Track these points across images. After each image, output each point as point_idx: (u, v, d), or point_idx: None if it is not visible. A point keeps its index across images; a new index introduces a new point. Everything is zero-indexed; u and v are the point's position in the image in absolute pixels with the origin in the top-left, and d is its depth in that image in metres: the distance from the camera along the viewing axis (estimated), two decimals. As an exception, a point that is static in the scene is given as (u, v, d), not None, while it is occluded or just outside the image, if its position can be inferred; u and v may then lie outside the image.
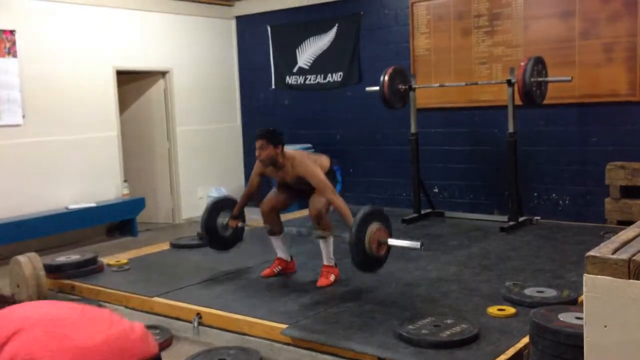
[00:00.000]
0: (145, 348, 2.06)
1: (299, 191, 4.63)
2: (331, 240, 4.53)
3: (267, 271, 4.75)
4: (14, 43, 6.64)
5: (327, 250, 4.52)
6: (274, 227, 4.72)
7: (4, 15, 6.59)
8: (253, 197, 4.86)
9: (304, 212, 5.15)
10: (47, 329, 1.89)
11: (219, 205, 4.94)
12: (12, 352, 1.83)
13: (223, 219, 4.88)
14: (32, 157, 6.84)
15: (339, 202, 4.28)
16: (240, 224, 4.94)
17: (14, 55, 6.65)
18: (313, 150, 8.02)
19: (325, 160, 4.59)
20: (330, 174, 4.53)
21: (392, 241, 4.12)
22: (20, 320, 1.91)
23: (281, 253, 4.78)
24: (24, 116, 6.75)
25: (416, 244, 4.03)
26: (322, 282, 4.46)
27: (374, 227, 4.04)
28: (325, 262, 4.54)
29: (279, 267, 4.76)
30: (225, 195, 5.18)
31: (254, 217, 7.95)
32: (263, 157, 4.39)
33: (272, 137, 4.38)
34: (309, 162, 4.43)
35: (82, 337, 1.91)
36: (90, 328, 1.95)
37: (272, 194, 4.72)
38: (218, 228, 4.88)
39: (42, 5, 6.93)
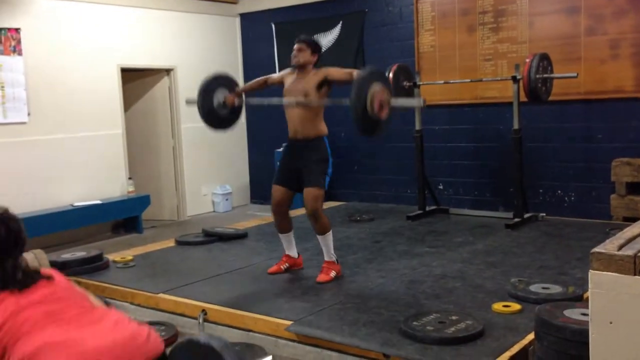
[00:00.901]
0: (151, 349, 2.08)
1: (293, 177, 4.54)
2: (330, 235, 4.51)
3: (274, 268, 4.75)
4: (19, 41, 6.66)
5: (326, 246, 4.51)
6: (284, 225, 4.71)
7: (9, 14, 6.61)
8: (262, 88, 4.86)
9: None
10: (55, 331, 1.91)
11: (217, 81, 4.82)
12: (22, 352, 1.85)
13: (220, 96, 4.76)
14: (38, 154, 6.87)
15: (353, 73, 4.27)
16: (237, 102, 4.82)
17: (19, 54, 6.67)
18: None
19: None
20: (320, 155, 4.51)
21: (394, 101, 4.06)
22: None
23: (289, 250, 4.78)
24: (29, 114, 6.77)
25: (419, 101, 3.92)
26: (321, 277, 4.46)
27: (375, 87, 3.95)
28: (326, 258, 4.53)
29: (287, 264, 4.76)
30: (225, 73, 5.06)
31: (258, 214, 7.98)
32: (300, 57, 4.48)
33: (312, 44, 4.54)
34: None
35: (90, 340, 1.93)
36: (98, 332, 1.97)
37: (274, 191, 4.65)
38: (215, 105, 4.77)
39: (47, 4, 6.95)
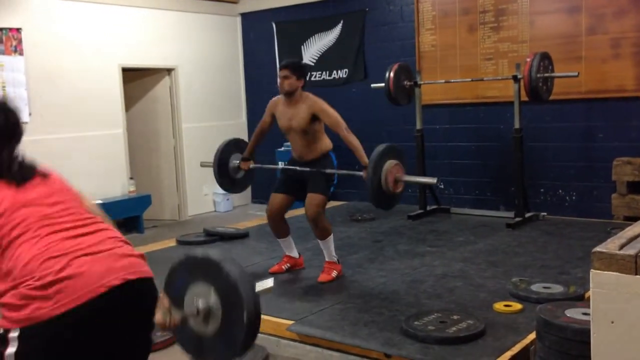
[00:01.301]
0: (144, 268, 2.03)
1: (296, 185, 4.56)
2: (331, 239, 4.51)
3: (275, 267, 4.76)
4: (20, 41, 6.66)
5: (327, 248, 4.51)
6: (280, 231, 4.69)
7: (10, 14, 6.61)
8: (264, 137, 4.86)
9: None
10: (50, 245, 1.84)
11: (231, 147, 4.93)
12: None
13: (235, 161, 4.89)
14: (39, 154, 6.75)
15: (353, 139, 4.32)
16: (251, 166, 4.92)
17: (21, 53, 6.67)
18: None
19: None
20: (325, 167, 4.53)
21: (408, 177, 4.15)
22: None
23: (289, 251, 4.78)
24: (30, 114, 6.77)
25: (432, 180, 4.12)
26: (323, 277, 4.46)
27: (390, 164, 4.08)
28: (327, 259, 4.54)
29: (288, 264, 4.76)
30: (236, 137, 5.17)
31: (259, 214, 7.98)
32: (286, 86, 4.40)
33: (297, 68, 4.44)
34: (324, 102, 4.46)
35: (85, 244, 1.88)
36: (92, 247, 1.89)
37: (273, 197, 4.65)
38: (230, 170, 4.89)
39: (48, 3, 6.95)
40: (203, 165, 5.15)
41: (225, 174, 4.91)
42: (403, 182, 4.16)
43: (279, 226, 4.66)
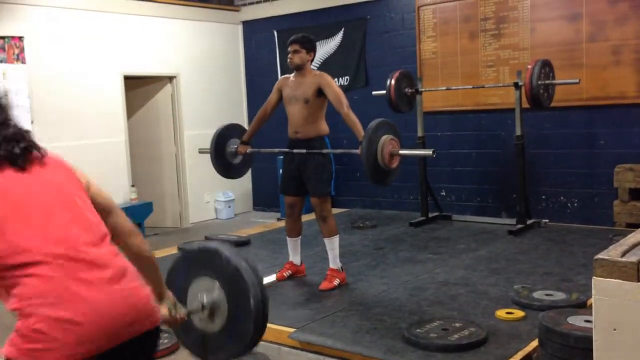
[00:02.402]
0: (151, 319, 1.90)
1: (297, 182, 4.56)
2: (337, 240, 4.52)
3: (277, 275, 4.75)
4: (22, 49, 6.68)
5: (333, 250, 4.51)
6: (295, 230, 4.71)
7: (12, 22, 6.64)
8: (267, 117, 4.83)
9: (309, 217, 5.17)
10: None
11: (228, 132, 4.89)
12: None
13: (233, 146, 4.84)
14: (41, 162, 6.87)
15: (353, 116, 4.31)
16: (249, 150, 4.89)
17: (23, 62, 6.69)
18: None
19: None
20: (322, 159, 4.54)
21: (403, 151, 4.12)
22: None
23: (293, 256, 4.78)
24: (32, 122, 6.78)
25: (428, 152, 4.06)
26: (325, 285, 4.45)
27: (385, 138, 4.05)
28: (331, 265, 4.53)
29: (289, 271, 4.75)
30: (233, 122, 5.14)
31: (261, 221, 7.98)
32: (296, 59, 4.45)
33: (306, 42, 4.51)
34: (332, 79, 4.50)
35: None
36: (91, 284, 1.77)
37: (288, 202, 4.70)
38: (227, 155, 4.85)
39: (50, 12, 6.98)
40: (201, 151, 5.10)
41: (223, 159, 4.86)
42: (399, 156, 4.12)
43: (296, 224, 4.73)
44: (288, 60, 4.53)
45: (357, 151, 4.17)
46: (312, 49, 4.54)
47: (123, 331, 1.71)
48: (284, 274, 4.74)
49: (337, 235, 4.53)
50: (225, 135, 4.87)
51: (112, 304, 1.69)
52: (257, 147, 5.09)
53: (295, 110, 4.51)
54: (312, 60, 4.56)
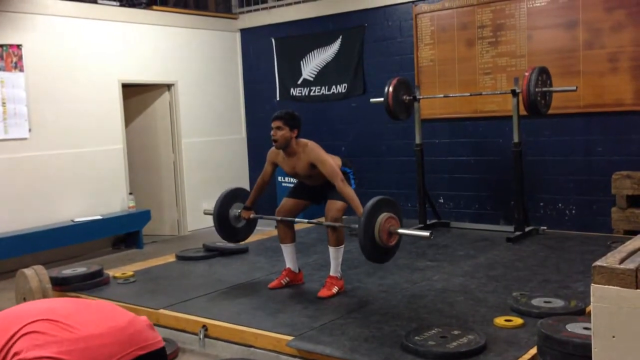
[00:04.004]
0: (151, 337, 2.03)
1: (312, 193, 4.61)
2: (342, 250, 4.52)
3: (274, 282, 4.74)
4: (20, 57, 6.69)
5: (336, 259, 4.51)
6: (286, 235, 4.71)
7: (10, 30, 6.65)
8: (266, 187, 4.86)
9: (307, 225, 5.16)
10: (52, 322, 1.87)
11: (232, 196, 4.92)
12: (20, 347, 1.82)
13: (236, 210, 4.88)
14: (39, 170, 6.87)
15: (349, 191, 4.27)
16: (252, 216, 4.90)
17: (21, 70, 6.70)
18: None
19: (337, 159, 4.57)
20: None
21: (402, 231, 4.06)
22: (25, 317, 1.90)
23: (290, 263, 4.77)
24: (30, 130, 6.78)
25: (425, 233, 3.99)
26: (323, 292, 4.44)
27: (384, 216, 3.98)
28: (331, 273, 4.52)
29: (287, 278, 4.74)
30: (238, 187, 5.17)
31: (259, 229, 7.96)
32: (278, 138, 4.39)
33: (289, 120, 4.41)
34: (320, 150, 4.45)
35: (88, 326, 1.89)
36: (95, 318, 1.93)
37: (285, 201, 4.73)
38: (230, 219, 4.88)
39: (49, 20, 6.99)
40: (206, 212, 5.13)
41: (226, 224, 4.89)
42: (397, 235, 4.08)
43: (290, 230, 4.71)
44: (272, 137, 4.43)
45: (355, 226, 4.12)
46: (295, 127, 4.41)
47: None
48: (282, 281, 4.73)
49: (343, 245, 4.52)
50: (227, 202, 4.90)
51: None
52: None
53: (305, 181, 4.62)
54: (296, 137, 4.45)
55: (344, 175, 4.42)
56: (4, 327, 1.89)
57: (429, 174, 6.90)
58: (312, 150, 4.41)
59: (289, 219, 4.69)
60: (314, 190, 4.63)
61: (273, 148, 4.61)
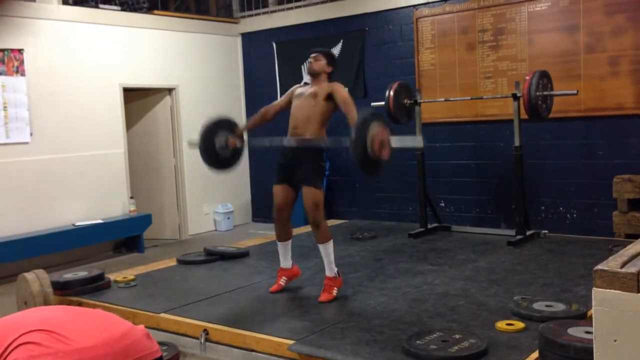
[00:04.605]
0: (147, 347, 2.03)
1: (290, 172, 4.55)
2: (331, 245, 4.49)
3: (275, 287, 4.73)
4: (22, 62, 6.70)
5: (328, 257, 4.47)
6: (284, 231, 4.68)
7: (12, 35, 6.66)
8: (269, 118, 4.85)
9: (308, 228, 5.15)
10: (47, 333, 1.87)
11: (218, 124, 4.85)
12: (15, 358, 1.82)
13: (222, 138, 4.79)
14: (40, 174, 6.88)
15: (354, 115, 4.28)
16: (238, 144, 4.85)
17: (22, 74, 6.71)
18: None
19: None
20: (317, 157, 4.52)
21: (394, 141, 4.06)
22: (20, 327, 1.90)
23: (283, 261, 4.75)
24: (31, 134, 6.79)
25: (419, 141, 3.98)
26: (324, 297, 4.42)
27: (375, 128, 3.99)
28: (327, 274, 4.50)
29: (284, 277, 4.73)
30: (223, 115, 5.09)
31: (260, 233, 7.97)
32: (315, 66, 4.53)
33: (329, 56, 4.62)
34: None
35: (83, 338, 1.89)
36: (90, 329, 1.93)
37: (276, 191, 4.63)
38: (217, 147, 4.81)
39: (50, 24, 7.01)
40: (190, 143, 5.08)
41: (212, 152, 4.82)
42: (389, 146, 4.05)
43: (284, 226, 4.65)
44: (308, 65, 4.60)
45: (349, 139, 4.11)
46: (332, 63, 4.60)
47: None
48: (281, 283, 4.71)
49: (332, 240, 4.49)
50: (214, 128, 4.85)
51: None
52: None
53: (299, 105, 4.54)
54: (329, 75, 4.59)
55: (319, 159, 4.48)
56: (1, 336, 1.89)
57: (429, 178, 6.90)
58: (338, 85, 4.51)
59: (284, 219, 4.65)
60: (290, 170, 4.52)
61: (297, 85, 4.74)
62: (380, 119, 4.11)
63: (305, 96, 4.54)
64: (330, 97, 4.44)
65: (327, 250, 4.48)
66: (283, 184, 4.59)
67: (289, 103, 4.70)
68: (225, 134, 4.81)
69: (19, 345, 1.84)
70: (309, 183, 4.41)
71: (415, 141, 3.99)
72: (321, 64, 4.55)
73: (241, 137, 4.87)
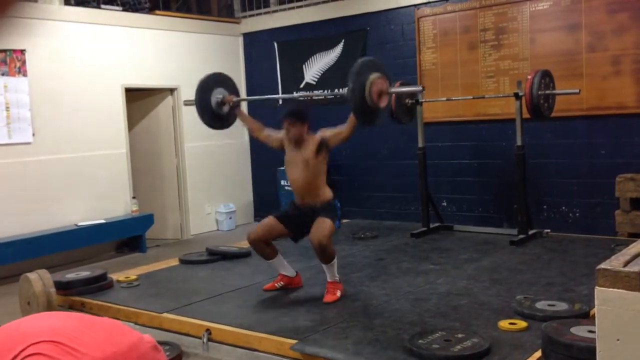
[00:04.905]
0: (156, 359, 2.03)
1: (297, 224, 4.51)
2: (335, 261, 4.46)
3: (269, 285, 4.73)
4: (24, 62, 6.71)
5: (331, 271, 4.46)
6: (265, 254, 4.63)
7: (14, 35, 6.67)
8: (259, 131, 4.84)
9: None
10: (57, 345, 1.87)
11: (214, 80, 4.87)
12: None
13: (218, 95, 4.81)
14: (42, 174, 6.89)
15: (349, 131, 4.30)
16: (235, 99, 4.88)
17: (24, 75, 6.72)
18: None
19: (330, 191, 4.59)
20: (331, 207, 4.49)
21: (393, 89, 4.03)
22: (27, 337, 1.90)
23: (282, 270, 4.74)
24: (34, 134, 6.80)
25: (418, 87, 3.98)
26: (329, 298, 4.43)
27: (374, 76, 3.96)
28: (329, 280, 4.50)
29: (282, 282, 4.73)
30: (219, 72, 5.10)
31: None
32: (293, 134, 4.43)
33: (300, 116, 4.46)
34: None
35: (93, 350, 1.89)
36: (100, 341, 1.93)
37: (260, 226, 4.60)
38: (213, 105, 4.82)
39: (52, 25, 7.01)
40: (186, 103, 5.11)
41: (208, 108, 4.83)
42: (387, 95, 4.03)
43: (262, 250, 4.59)
44: (285, 132, 4.46)
45: (345, 91, 4.10)
46: (307, 120, 4.47)
47: None
48: (276, 284, 4.71)
49: (335, 258, 4.46)
50: (210, 84, 4.85)
51: None
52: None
53: (296, 174, 4.49)
54: (308, 128, 4.48)
55: (333, 207, 4.43)
56: (7, 346, 1.88)
57: (431, 177, 6.90)
58: (322, 132, 4.47)
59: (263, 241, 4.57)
60: (299, 221, 4.48)
61: (285, 135, 4.64)
62: (377, 66, 4.07)
63: (298, 162, 4.46)
64: (321, 147, 4.40)
65: (331, 268, 4.44)
66: (281, 223, 4.53)
67: (279, 147, 4.64)
68: (221, 91, 4.82)
69: (27, 356, 1.83)
70: (325, 216, 4.37)
71: (414, 87, 3.97)
72: (299, 128, 4.41)
73: (237, 95, 4.89)
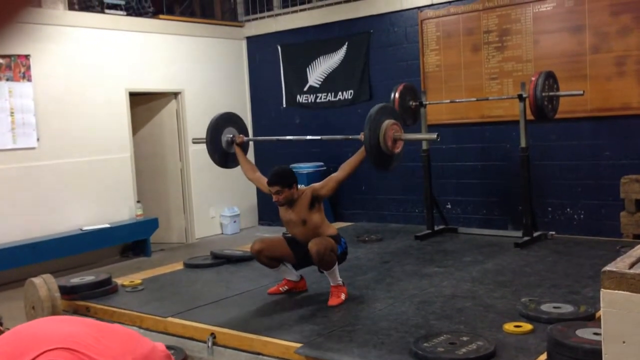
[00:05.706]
0: None
1: (301, 251, 4.47)
2: (336, 267, 4.44)
3: (273, 289, 4.72)
4: (28, 67, 6.74)
5: (333, 277, 4.43)
6: (273, 263, 4.60)
7: (18, 40, 6.69)
8: (245, 172, 4.90)
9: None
10: (72, 353, 1.85)
11: (226, 119, 4.93)
12: None
13: (228, 135, 4.86)
14: (47, 179, 6.91)
15: (346, 172, 4.28)
16: (246, 139, 4.93)
17: (29, 80, 6.74)
18: (325, 168, 8.05)
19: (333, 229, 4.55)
20: (334, 237, 4.44)
21: (406, 135, 4.07)
22: (42, 342, 1.87)
23: (287, 275, 4.72)
24: (38, 139, 6.82)
25: (432, 135, 4.02)
26: (333, 301, 4.41)
27: (388, 123, 4.00)
28: (332, 284, 4.48)
29: (286, 286, 4.72)
30: (229, 112, 5.19)
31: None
32: (282, 200, 4.33)
33: (285, 181, 4.33)
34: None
35: (108, 358, 1.88)
36: (114, 349, 1.92)
37: (266, 240, 4.58)
38: (222, 144, 4.88)
39: (56, 30, 7.04)
40: (195, 141, 5.17)
41: (218, 148, 4.88)
42: (402, 141, 4.07)
43: (265, 262, 4.57)
44: (274, 199, 4.37)
45: (359, 136, 4.12)
46: (293, 182, 4.35)
47: None
48: (280, 288, 4.69)
49: (336, 264, 4.44)
50: (220, 125, 4.90)
51: None
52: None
53: (296, 232, 4.46)
54: (296, 189, 4.37)
55: (337, 236, 4.41)
56: (19, 350, 1.86)
57: (436, 180, 6.89)
58: (311, 188, 4.38)
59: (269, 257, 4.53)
60: (305, 250, 4.40)
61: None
62: (391, 112, 4.11)
63: (294, 220, 4.39)
64: (314, 202, 4.35)
65: (332, 274, 4.41)
66: (287, 246, 4.50)
67: (269, 193, 4.48)
68: (231, 131, 4.86)
69: None
70: (329, 235, 4.35)
71: (428, 135, 4.02)
72: (286, 195, 4.31)
73: (246, 136, 4.92)
